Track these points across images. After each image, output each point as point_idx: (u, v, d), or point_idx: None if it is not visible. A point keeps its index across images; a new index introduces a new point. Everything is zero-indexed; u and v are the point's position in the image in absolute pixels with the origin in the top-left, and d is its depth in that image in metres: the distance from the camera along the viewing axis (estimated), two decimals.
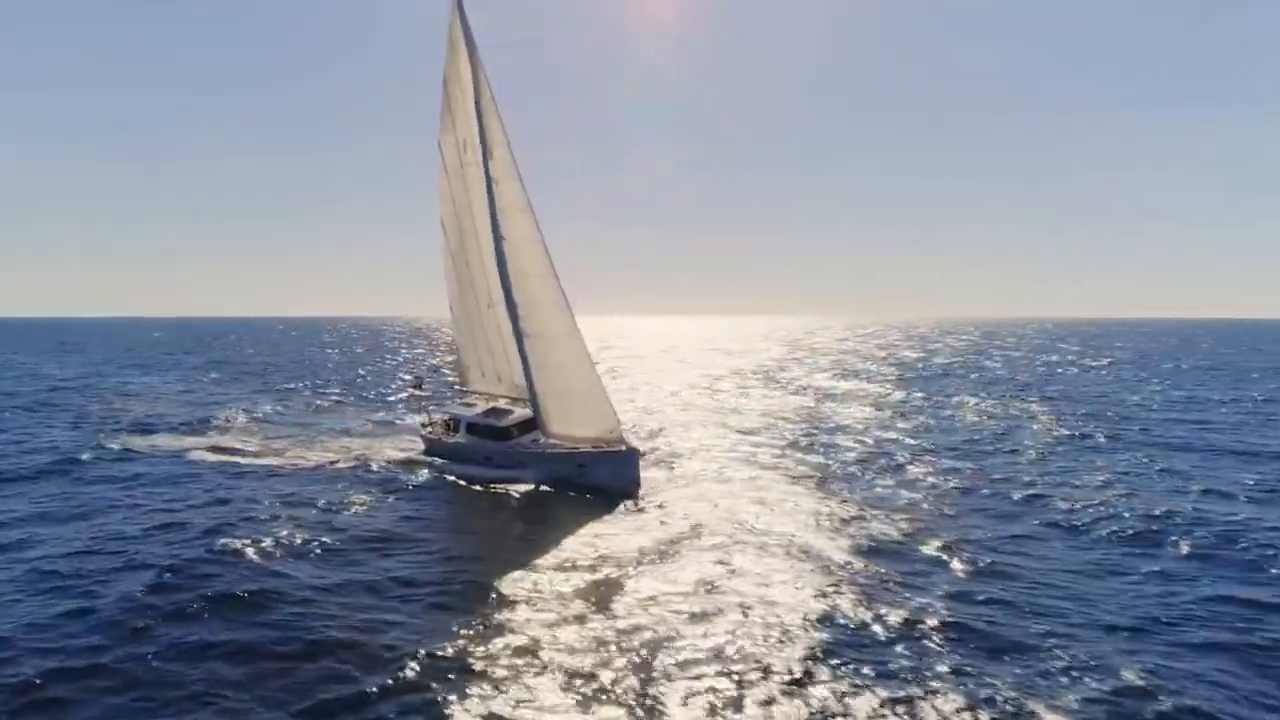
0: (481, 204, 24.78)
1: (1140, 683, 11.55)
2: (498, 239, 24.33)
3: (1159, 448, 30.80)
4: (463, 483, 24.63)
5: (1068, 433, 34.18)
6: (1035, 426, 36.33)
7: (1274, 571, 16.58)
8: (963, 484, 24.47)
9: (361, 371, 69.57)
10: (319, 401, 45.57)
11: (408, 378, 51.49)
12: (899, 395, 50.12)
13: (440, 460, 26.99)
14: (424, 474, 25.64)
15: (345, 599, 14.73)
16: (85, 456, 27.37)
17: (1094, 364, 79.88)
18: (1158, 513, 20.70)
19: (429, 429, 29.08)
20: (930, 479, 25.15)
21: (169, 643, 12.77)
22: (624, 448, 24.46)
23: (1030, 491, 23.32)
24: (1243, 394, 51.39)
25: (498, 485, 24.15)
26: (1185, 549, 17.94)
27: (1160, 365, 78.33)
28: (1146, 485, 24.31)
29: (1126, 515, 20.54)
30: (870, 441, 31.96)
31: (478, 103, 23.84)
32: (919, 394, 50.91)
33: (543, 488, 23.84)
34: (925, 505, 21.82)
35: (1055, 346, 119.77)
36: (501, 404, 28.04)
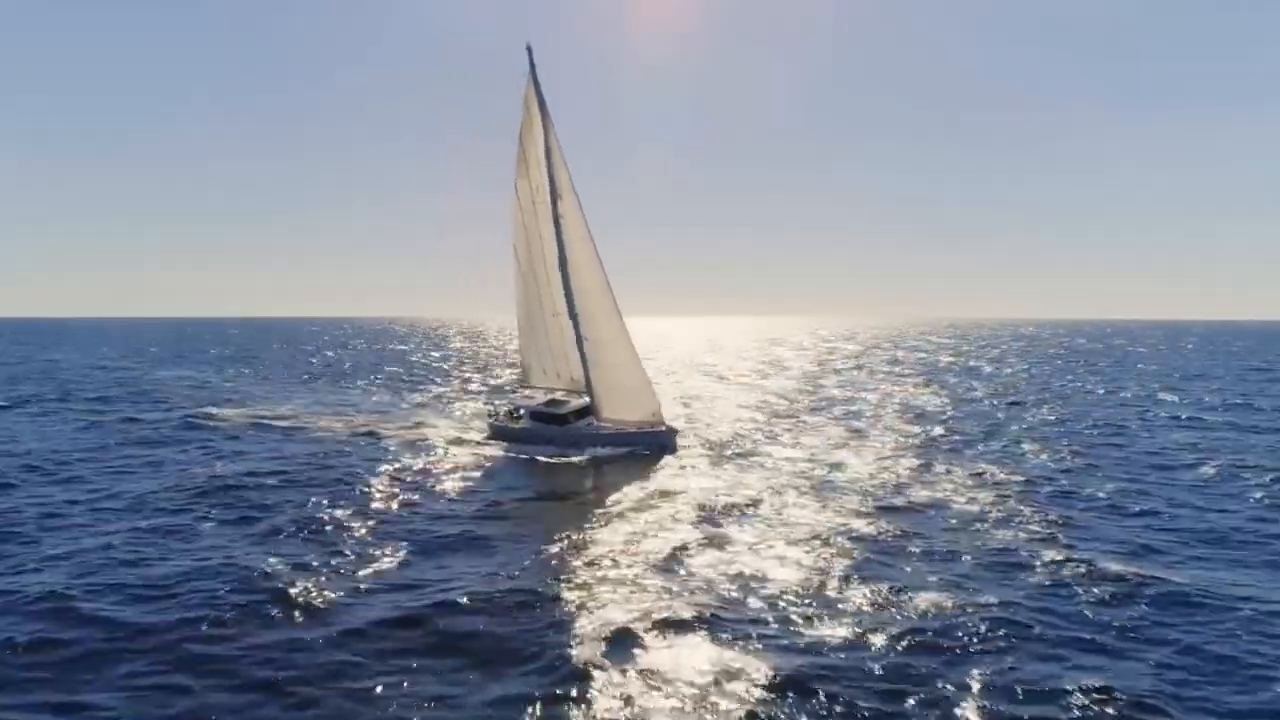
0: (549, 234, 30.92)
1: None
2: (563, 262, 30.54)
3: (818, 427, 37.16)
4: (524, 457, 30.48)
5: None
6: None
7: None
8: None
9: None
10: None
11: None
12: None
13: (506, 442, 32.79)
14: (492, 453, 31.27)
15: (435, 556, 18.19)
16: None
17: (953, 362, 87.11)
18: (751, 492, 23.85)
19: (493, 418, 34.95)
20: None
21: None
22: (664, 427, 30.64)
23: None
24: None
25: (559, 459, 30.10)
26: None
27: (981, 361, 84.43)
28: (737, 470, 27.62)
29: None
30: None
31: (548, 155, 30.02)
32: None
33: (598, 460, 29.71)
34: None
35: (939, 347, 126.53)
36: (559, 395, 34.06)
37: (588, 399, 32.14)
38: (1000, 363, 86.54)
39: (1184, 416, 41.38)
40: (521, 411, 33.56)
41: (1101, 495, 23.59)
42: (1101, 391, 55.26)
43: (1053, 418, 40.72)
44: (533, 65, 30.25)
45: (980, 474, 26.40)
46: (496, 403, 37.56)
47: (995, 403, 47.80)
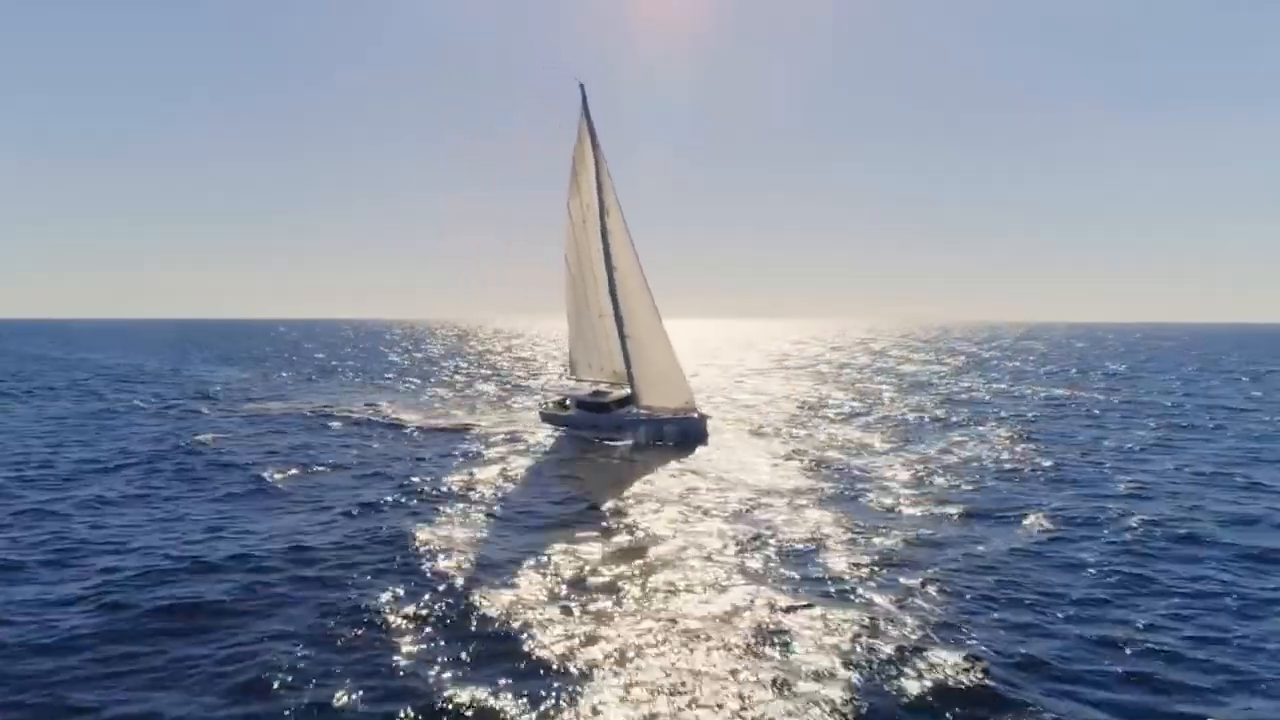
0: (597, 246, 35.56)
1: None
2: (610, 269, 35.14)
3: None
4: (576, 436, 35.71)
5: None
6: None
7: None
8: None
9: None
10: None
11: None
12: None
13: (556, 427, 37.34)
14: (544, 437, 35.97)
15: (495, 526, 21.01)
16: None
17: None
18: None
19: (543, 406, 39.69)
20: None
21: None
22: (696, 414, 35.23)
23: None
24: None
25: (604, 441, 34.72)
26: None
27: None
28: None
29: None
30: None
31: (598, 178, 34.69)
32: None
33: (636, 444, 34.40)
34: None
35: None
36: (602, 387, 38.69)
37: (628, 390, 36.77)
38: (938, 364, 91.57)
39: (1018, 410, 46.00)
40: (569, 401, 38.26)
41: (845, 463, 29.28)
42: (1001, 386, 61.71)
43: (911, 409, 46.12)
44: (585, 101, 34.91)
45: (789, 446, 32.78)
46: (548, 395, 42.61)
47: (887, 398, 53.12)
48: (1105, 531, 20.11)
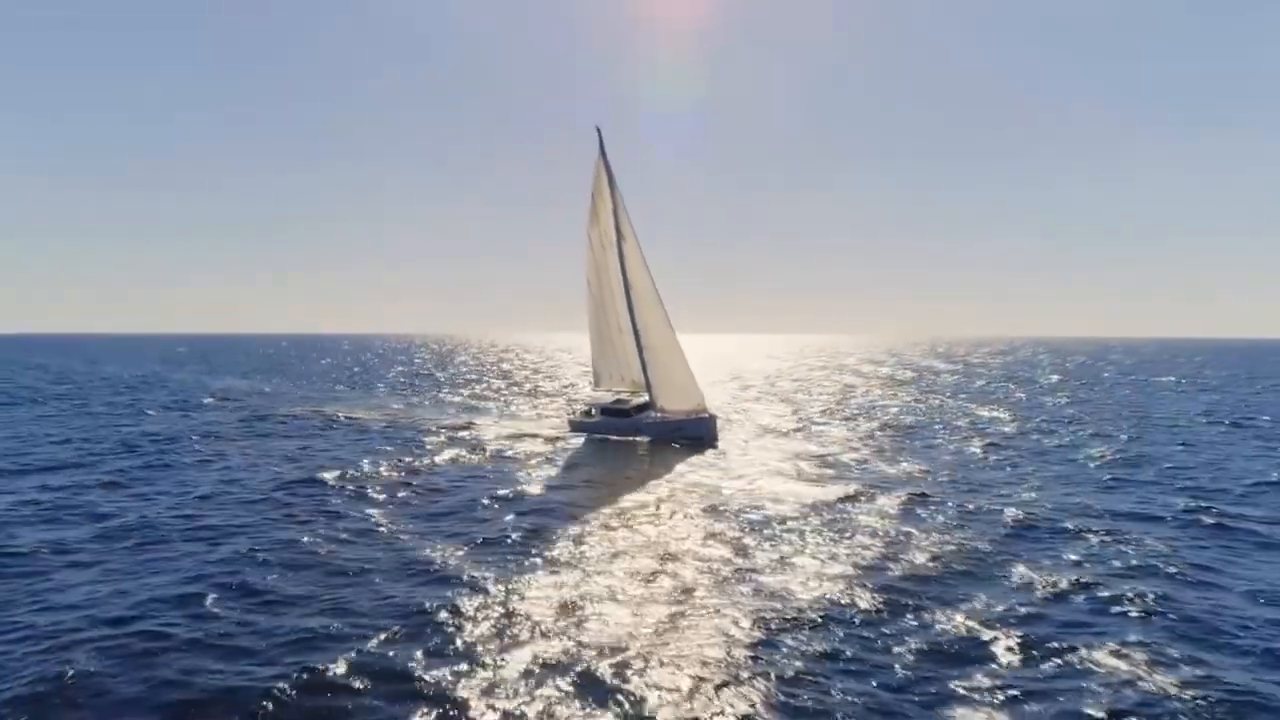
0: (615, 268, 40.47)
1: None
2: (627, 288, 39.96)
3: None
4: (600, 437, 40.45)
5: None
6: None
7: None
8: None
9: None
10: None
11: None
12: None
13: (584, 433, 41.98)
14: (574, 440, 40.70)
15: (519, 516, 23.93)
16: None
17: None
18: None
19: (570, 414, 44.50)
20: None
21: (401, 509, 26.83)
22: (707, 414, 40.10)
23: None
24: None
25: (624, 439, 39.67)
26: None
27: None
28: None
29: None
30: None
31: (614, 208, 39.64)
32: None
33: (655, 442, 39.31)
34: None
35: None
36: (623, 394, 43.51)
37: (646, 396, 41.60)
38: (892, 380, 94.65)
39: (913, 416, 52.05)
40: (593, 409, 43.06)
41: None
42: (904, 398, 67.35)
43: (828, 418, 51.56)
44: (602, 143, 39.89)
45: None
46: (575, 405, 47.85)
47: (809, 409, 57.85)
48: (880, 498, 26.08)
